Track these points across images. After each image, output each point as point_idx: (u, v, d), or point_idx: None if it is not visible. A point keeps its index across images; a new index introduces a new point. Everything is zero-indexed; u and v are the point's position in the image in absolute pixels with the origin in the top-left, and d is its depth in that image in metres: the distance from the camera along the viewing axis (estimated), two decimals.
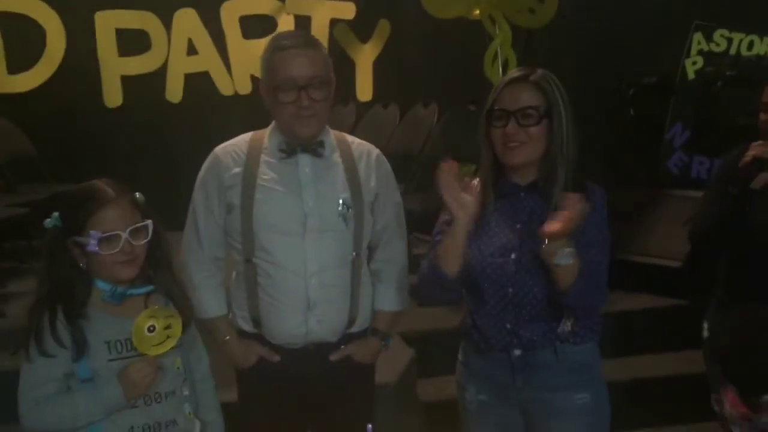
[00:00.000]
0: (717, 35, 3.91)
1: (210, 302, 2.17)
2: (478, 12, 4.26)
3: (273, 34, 2.16)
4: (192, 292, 2.12)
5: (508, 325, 1.99)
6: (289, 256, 2.08)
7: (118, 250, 1.82)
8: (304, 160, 2.12)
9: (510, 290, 1.98)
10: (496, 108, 1.99)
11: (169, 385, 1.91)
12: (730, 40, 3.90)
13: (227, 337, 2.17)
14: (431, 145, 4.14)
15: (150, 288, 1.92)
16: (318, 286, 2.09)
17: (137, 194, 1.90)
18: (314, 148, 2.11)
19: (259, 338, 2.17)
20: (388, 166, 2.23)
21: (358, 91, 5.61)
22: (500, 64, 4.27)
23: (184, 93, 5.36)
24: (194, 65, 5.40)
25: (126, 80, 5.25)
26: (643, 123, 4.35)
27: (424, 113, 4.44)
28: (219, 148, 2.17)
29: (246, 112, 5.30)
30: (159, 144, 5.20)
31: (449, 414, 2.89)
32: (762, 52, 3.86)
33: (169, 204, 3.93)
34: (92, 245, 1.80)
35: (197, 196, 2.17)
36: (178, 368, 1.94)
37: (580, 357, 2.02)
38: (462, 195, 1.89)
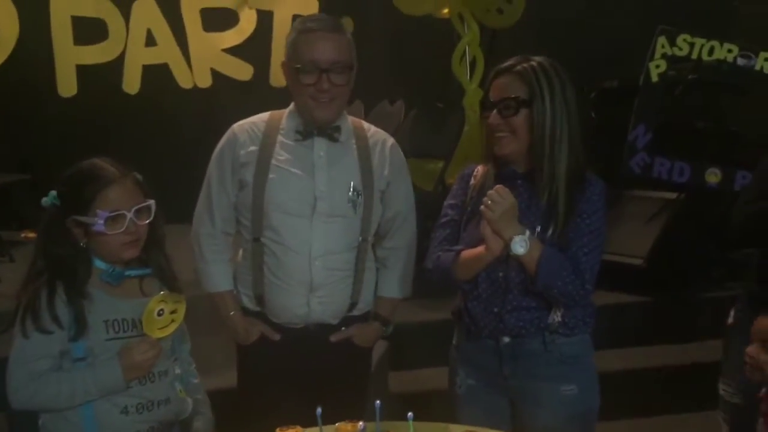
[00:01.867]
0: (680, 40, 4.01)
1: (218, 276, 2.21)
2: (446, 10, 4.29)
3: (301, 17, 2.16)
4: (200, 265, 2.19)
5: (495, 309, 2.02)
6: (295, 237, 2.10)
7: (123, 229, 1.82)
8: (320, 144, 2.12)
9: (500, 274, 2.01)
10: (483, 99, 2.04)
11: (161, 365, 1.91)
12: (692, 45, 4.01)
13: (232, 312, 2.20)
14: (399, 141, 4.13)
15: (147, 270, 1.92)
16: (322, 269, 2.11)
17: (137, 174, 1.89)
18: (330, 132, 2.12)
19: (262, 317, 2.19)
20: (402, 156, 2.25)
21: None
22: (468, 62, 4.29)
23: (141, 84, 5.25)
24: (153, 57, 5.29)
25: (81, 69, 5.12)
26: (606, 125, 4.44)
27: (391, 110, 4.44)
28: (236, 125, 2.18)
29: (205, 105, 5.28)
30: (115, 134, 5.07)
31: (420, 406, 2.90)
32: (722, 57, 3.98)
33: None
34: (99, 225, 1.80)
35: (212, 170, 2.18)
36: (168, 348, 1.94)
37: (569, 348, 2.03)
38: (495, 237, 1.91)
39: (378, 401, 1.73)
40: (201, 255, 2.20)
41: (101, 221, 1.79)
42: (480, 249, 1.96)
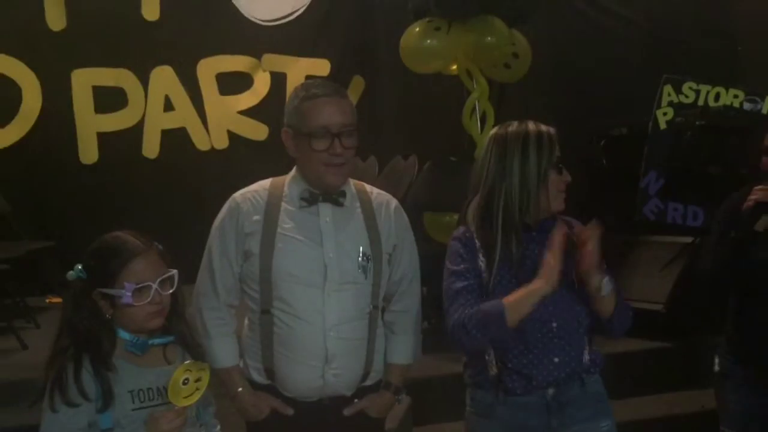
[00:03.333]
0: (685, 87, 4.08)
1: (223, 352, 2.12)
2: (455, 67, 4.38)
3: (300, 84, 2.16)
4: (204, 340, 2.11)
5: (556, 360, 2.02)
6: (308, 307, 2.04)
7: (149, 300, 1.86)
8: (325, 210, 2.09)
9: (554, 325, 2.02)
10: (555, 159, 2.07)
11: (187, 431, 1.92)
12: (697, 92, 4.07)
13: (240, 389, 2.11)
14: (413, 194, 4.19)
15: (170, 338, 1.95)
16: (336, 339, 2.04)
17: (159, 245, 1.94)
18: (335, 197, 2.09)
19: (272, 390, 2.11)
20: (406, 217, 2.22)
21: None
22: (478, 117, 4.37)
23: (160, 149, 5.38)
24: (171, 121, 5.43)
25: (102, 137, 5.26)
26: (617, 172, 4.48)
27: (404, 165, 4.50)
28: (238, 194, 2.14)
29: (222, 166, 5.39)
30: (136, 200, 5.18)
31: None
32: (728, 103, 4.04)
33: None
34: (127, 297, 1.83)
35: (214, 241, 2.13)
36: (194, 415, 1.95)
37: (597, 386, 2.10)
38: (557, 271, 1.94)
39: None
40: (205, 330, 2.12)
41: (129, 293, 1.83)
42: (529, 287, 1.94)
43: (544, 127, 2.09)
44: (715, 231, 2.62)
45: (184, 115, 5.45)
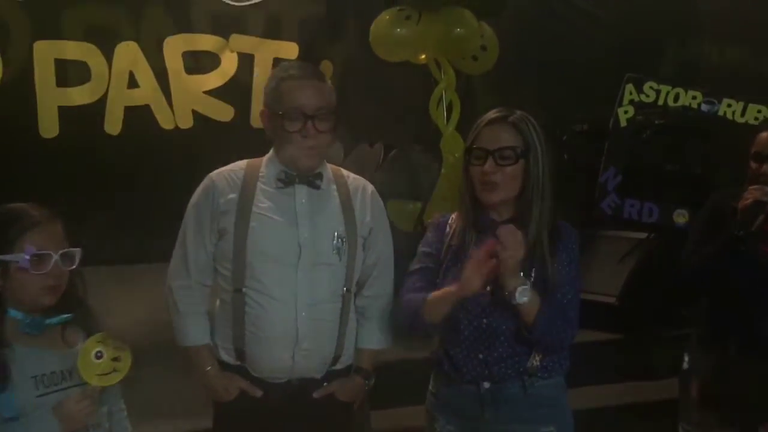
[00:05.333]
0: (647, 87, 4.18)
1: (194, 330, 2.11)
2: (423, 57, 4.41)
3: (280, 65, 2.17)
4: (174, 317, 2.10)
5: (480, 356, 2.04)
6: (281, 287, 2.04)
7: (47, 271, 1.75)
8: (301, 191, 2.10)
9: (484, 321, 2.03)
10: (475, 146, 2.04)
11: (96, 417, 1.83)
12: (658, 92, 4.17)
13: (208, 368, 2.11)
14: (378, 184, 4.22)
15: (68, 316, 1.83)
16: (308, 319, 2.05)
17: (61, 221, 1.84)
18: (312, 179, 2.10)
19: (241, 371, 2.10)
20: (381, 203, 2.24)
21: None
22: (444, 107, 4.41)
23: (123, 125, 5.30)
24: (135, 98, 5.35)
25: (63, 111, 5.17)
26: (577, 167, 4.58)
27: (369, 152, 4.54)
28: (214, 173, 2.13)
29: (185, 146, 5.34)
30: (97, 175, 5.10)
31: None
32: (687, 103, 4.15)
33: (104, 234, 3.87)
34: (24, 261, 1.72)
35: (189, 220, 2.12)
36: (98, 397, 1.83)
37: (547, 391, 2.07)
38: (477, 276, 1.92)
39: None
40: (175, 307, 2.10)
41: (27, 257, 1.72)
42: (449, 288, 1.97)
43: (491, 113, 2.06)
44: (696, 230, 2.65)
45: (148, 93, 5.38)
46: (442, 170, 4.24)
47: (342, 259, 2.10)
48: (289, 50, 5.80)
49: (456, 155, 3.99)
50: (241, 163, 2.16)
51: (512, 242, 1.89)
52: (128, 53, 5.31)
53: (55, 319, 1.81)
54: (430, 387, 2.21)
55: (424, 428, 2.24)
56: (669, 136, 4.15)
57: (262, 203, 2.08)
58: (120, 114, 5.33)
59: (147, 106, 5.36)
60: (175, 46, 5.51)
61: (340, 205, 2.13)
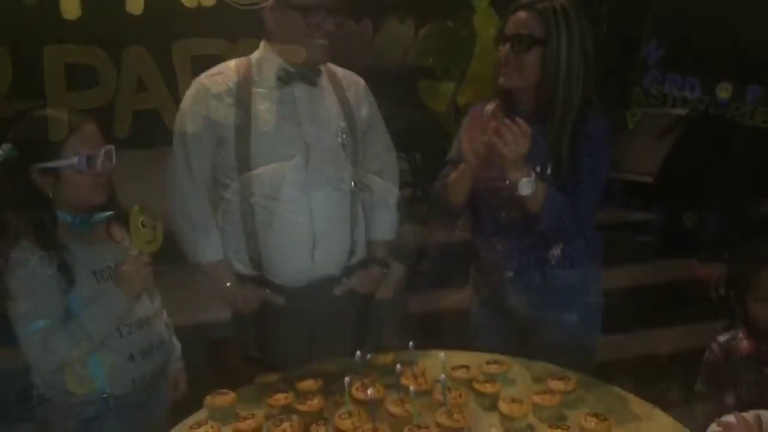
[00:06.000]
0: None
1: (208, 246, 2.07)
2: None
3: None
4: (187, 234, 2.07)
5: (499, 247, 2.09)
6: (292, 190, 2.00)
7: (97, 170, 1.81)
8: (300, 90, 2.04)
9: (502, 214, 2.06)
10: (501, 31, 2.04)
11: (149, 308, 1.95)
12: None
13: (228, 283, 2.09)
14: (410, 61, 4.11)
15: (111, 213, 1.91)
16: (323, 218, 2.02)
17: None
18: (310, 76, 2.04)
19: (259, 280, 2.08)
20: (372, 97, 2.21)
21: None
22: None
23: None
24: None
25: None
26: (617, 41, 4.38)
27: (400, 28, 4.38)
28: (204, 77, 2.05)
29: None
30: None
31: (438, 325, 3.01)
32: None
33: None
34: (82, 163, 1.77)
35: (185, 127, 2.03)
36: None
37: (569, 280, 2.10)
38: (478, 142, 1.92)
39: (411, 342, 1.77)
40: (189, 222, 2.04)
41: (84, 158, 1.77)
42: (462, 166, 1.99)
43: None
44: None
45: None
46: (476, 48, 4.09)
47: (348, 154, 2.07)
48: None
49: (490, 32, 3.83)
50: (229, 64, 2.06)
51: (511, 137, 1.87)
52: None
53: (101, 216, 1.89)
54: (471, 272, 2.27)
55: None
56: (715, 5, 3.91)
57: (261, 105, 2.00)
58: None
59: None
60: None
61: (338, 101, 2.09)
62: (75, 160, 1.78)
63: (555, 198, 1.96)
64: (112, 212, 1.91)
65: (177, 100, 5.25)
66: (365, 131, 2.16)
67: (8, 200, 1.81)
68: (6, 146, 1.79)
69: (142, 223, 1.82)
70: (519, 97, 2.03)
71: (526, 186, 1.91)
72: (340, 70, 2.17)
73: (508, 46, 1.96)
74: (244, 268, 2.09)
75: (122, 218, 1.94)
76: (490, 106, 2.12)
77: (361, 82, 2.20)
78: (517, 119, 1.91)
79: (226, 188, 2.04)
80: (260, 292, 2.09)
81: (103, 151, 1.83)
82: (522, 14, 1.98)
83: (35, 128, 1.82)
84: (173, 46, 5.04)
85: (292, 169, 2.01)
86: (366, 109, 2.16)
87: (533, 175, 1.92)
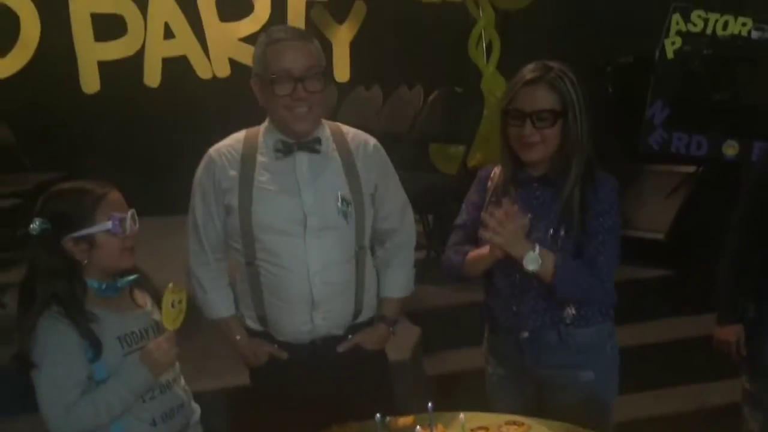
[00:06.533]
0: (694, 16, 4.03)
1: (219, 303, 2.17)
2: None
3: (264, 31, 2.11)
4: (200, 295, 2.17)
5: (514, 308, 2.09)
6: (290, 257, 2.05)
7: (129, 232, 1.88)
8: (301, 159, 2.07)
9: (517, 276, 2.05)
10: (512, 108, 2.03)
11: (171, 372, 1.98)
12: (706, 21, 4.02)
13: (238, 337, 2.17)
14: (420, 126, 4.20)
15: (135, 276, 1.96)
16: (321, 284, 2.06)
17: None
18: (311, 145, 2.07)
19: (267, 336, 2.15)
20: (384, 155, 2.20)
21: (336, 72, 5.63)
22: (484, 46, 4.33)
23: (162, 77, 5.33)
24: (172, 49, 5.36)
25: (103, 66, 5.20)
26: (623, 101, 4.47)
27: (409, 95, 4.49)
28: (213, 150, 2.13)
29: (224, 95, 5.36)
30: (139, 129, 5.18)
31: (453, 386, 3.00)
32: (736, 32, 4.00)
33: (147, 189, 3.94)
34: (115, 225, 1.85)
35: (195, 199, 2.15)
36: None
37: (585, 338, 2.09)
38: (512, 253, 1.95)
39: (430, 404, 1.77)
40: (200, 285, 2.16)
41: (116, 221, 1.85)
42: (485, 249, 2.02)
43: (528, 72, 2.02)
44: (752, 196, 2.52)
45: (184, 43, 5.38)
46: (484, 111, 4.19)
47: (349, 220, 2.08)
48: None
49: (497, 95, 3.93)
50: (239, 135, 2.14)
51: (494, 224, 1.93)
52: (162, 4, 5.32)
53: (127, 280, 1.94)
54: (485, 333, 2.27)
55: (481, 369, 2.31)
56: (718, 65, 4.01)
57: (262, 176, 2.07)
58: (159, 66, 5.38)
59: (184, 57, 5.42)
60: None
61: (342, 166, 2.10)
62: (109, 224, 1.85)
63: (568, 265, 1.98)
64: (137, 275, 1.96)
65: (204, 46, 5.36)
66: (372, 193, 2.15)
67: (42, 271, 1.85)
68: (38, 220, 1.85)
69: (172, 303, 1.86)
70: (534, 166, 2.08)
71: (531, 261, 1.93)
72: (351, 131, 2.18)
73: (528, 123, 1.98)
74: (253, 324, 2.17)
75: (143, 283, 2.00)
76: (497, 170, 2.16)
77: (371, 140, 2.19)
78: (504, 200, 1.99)
79: (235, 251, 2.14)
80: (267, 346, 2.16)
81: (129, 214, 1.90)
82: (537, 90, 2.00)
83: (64, 201, 1.89)
84: None
85: (290, 239, 2.06)
86: (376, 169, 2.15)
87: (537, 248, 1.94)
